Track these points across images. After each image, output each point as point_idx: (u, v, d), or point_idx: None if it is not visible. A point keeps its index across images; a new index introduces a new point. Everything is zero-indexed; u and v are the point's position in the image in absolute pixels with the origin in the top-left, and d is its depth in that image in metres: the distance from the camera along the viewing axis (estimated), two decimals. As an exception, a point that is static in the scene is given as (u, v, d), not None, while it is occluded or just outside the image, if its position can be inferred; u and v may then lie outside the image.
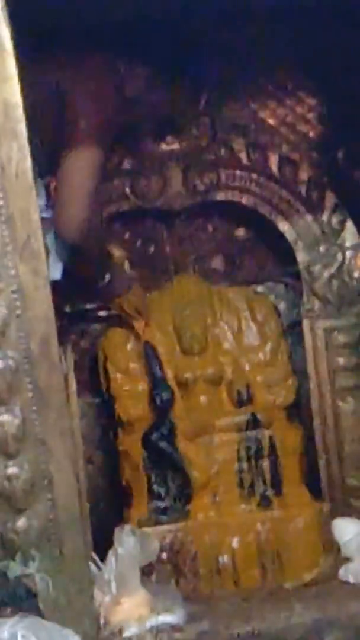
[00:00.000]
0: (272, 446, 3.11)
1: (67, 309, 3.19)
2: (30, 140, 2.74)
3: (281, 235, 3.33)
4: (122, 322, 3.23)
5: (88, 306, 3.34)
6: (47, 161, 2.88)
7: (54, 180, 2.89)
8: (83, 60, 2.86)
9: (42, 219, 2.81)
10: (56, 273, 2.90)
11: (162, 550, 2.79)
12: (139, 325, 3.21)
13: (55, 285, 2.86)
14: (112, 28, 2.81)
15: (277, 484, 3.10)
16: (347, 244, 3.31)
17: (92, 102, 2.83)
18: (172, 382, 3.17)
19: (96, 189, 2.89)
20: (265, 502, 3.08)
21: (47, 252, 2.32)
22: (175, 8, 2.74)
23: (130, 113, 3.01)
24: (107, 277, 3.09)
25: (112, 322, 3.28)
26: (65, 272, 2.92)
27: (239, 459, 3.09)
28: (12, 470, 2.26)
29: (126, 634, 2.42)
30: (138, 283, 3.23)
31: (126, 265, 3.24)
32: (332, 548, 2.93)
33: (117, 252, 3.21)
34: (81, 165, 2.83)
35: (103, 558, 2.57)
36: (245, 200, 3.32)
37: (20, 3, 2.30)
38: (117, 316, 3.23)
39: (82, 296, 3.23)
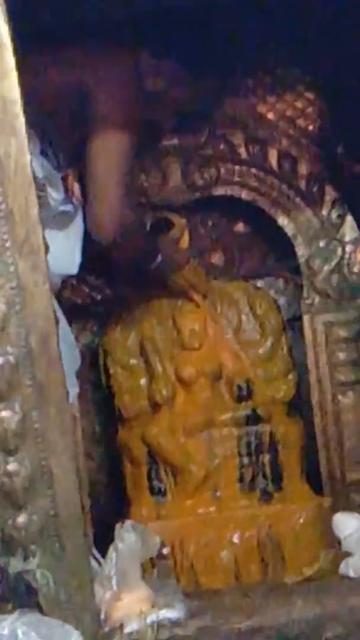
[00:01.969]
0: (273, 441, 3.11)
1: (66, 304, 3.19)
2: (50, 134, 2.76)
3: (281, 230, 3.33)
4: (183, 294, 3.24)
5: (88, 301, 3.35)
6: (65, 155, 2.88)
7: (70, 173, 2.89)
8: (105, 52, 2.85)
9: (61, 213, 2.83)
10: (73, 267, 2.91)
11: (162, 545, 2.79)
12: (197, 297, 3.22)
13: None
14: (135, 21, 2.80)
15: (277, 478, 3.11)
16: (347, 238, 3.31)
17: (116, 93, 2.81)
18: (172, 378, 3.17)
19: (129, 180, 2.89)
20: (265, 497, 3.08)
21: (47, 248, 2.31)
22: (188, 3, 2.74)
23: (152, 108, 3.01)
24: (159, 258, 3.09)
25: (112, 317, 3.29)
26: (105, 260, 2.96)
27: (240, 454, 3.10)
28: (12, 466, 2.26)
29: (127, 629, 2.42)
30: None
31: (186, 235, 3.25)
32: (332, 543, 2.92)
33: (177, 221, 3.23)
34: (110, 154, 2.82)
35: (104, 554, 2.57)
36: (244, 195, 3.32)
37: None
38: (120, 308, 3.25)
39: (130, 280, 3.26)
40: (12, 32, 2.17)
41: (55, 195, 2.82)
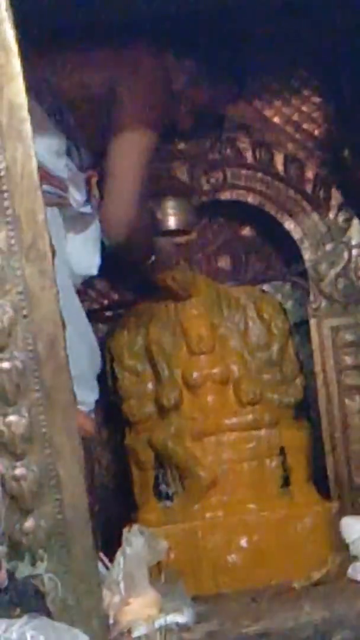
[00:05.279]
0: (280, 445, 3.11)
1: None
2: (76, 134, 2.77)
3: (287, 234, 3.33)
4: (167, 295, 3.24)
5: (94, 306, 3.35)
6: (90, 156, 2.89)
7: (94, 174, 2.89)
8: (133, 52, 2.86)
9: (81, 214, 2.83)
10: (92, 269, 2.92)
11: (170, 550, 2.79)
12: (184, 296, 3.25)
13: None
14: (161, 21, 2.81)
15: (284, 483, 3.10)
16: (354, 242, 3.31)
17: (142, 93, 2.83)
18: (179, 382, 3.17)
19: (146, 181, 2.91)
20: (273, 502, 3.07)
21: (54, 252, 2.31)
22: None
23: (176, 108, 3.02)
24: (152, 258, 3.14)
25: (118, 322, 3.29)
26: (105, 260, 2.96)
27: (247, 459, 3.09)
28: (19, 470, 2.26)
29: (135, 634, 2.42)
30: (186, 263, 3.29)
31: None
32: (340, 547, 2.92)
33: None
34: (131, 153, 2.84)
35: (111, 558, 2.57)
36: (251, 199, 3.32)
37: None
38: (127, 313, 3.26)
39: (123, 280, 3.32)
40: (19, 37, 2.17)
41: (77, 196, 2.83)
